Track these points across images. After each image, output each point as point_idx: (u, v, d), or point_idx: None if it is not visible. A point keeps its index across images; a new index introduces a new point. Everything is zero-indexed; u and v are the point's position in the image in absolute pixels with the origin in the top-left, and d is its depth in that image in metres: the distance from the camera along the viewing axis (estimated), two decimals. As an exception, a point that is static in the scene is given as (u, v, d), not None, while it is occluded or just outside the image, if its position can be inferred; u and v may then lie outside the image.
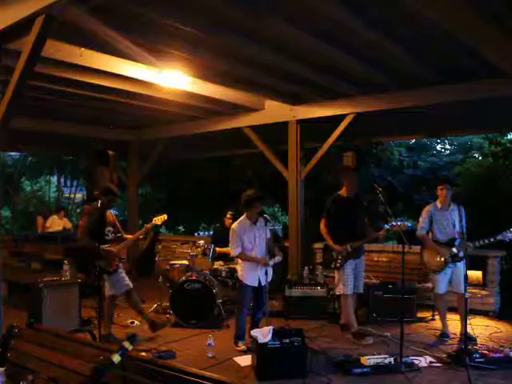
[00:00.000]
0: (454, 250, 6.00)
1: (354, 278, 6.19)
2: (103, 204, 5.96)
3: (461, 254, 5.96)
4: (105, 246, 5.87)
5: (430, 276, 6.79)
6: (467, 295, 5.28)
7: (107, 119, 10.21)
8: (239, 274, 5.94)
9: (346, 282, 6.14)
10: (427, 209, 6.33)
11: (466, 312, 5.61)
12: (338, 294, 6.37)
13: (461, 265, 5.99)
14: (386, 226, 5.82)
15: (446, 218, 6.15)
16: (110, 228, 6.05)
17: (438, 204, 6.24)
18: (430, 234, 6.31)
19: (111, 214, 6.19)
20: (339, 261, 6.16)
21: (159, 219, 6.35)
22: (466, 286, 5.19)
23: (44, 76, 6.48)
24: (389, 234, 5.92)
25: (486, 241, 5.83)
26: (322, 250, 6.67)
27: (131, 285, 6.15)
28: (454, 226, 6.10)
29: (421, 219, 6.35)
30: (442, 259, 6.08)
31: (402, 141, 15.61)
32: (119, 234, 6.15)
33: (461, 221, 5.99)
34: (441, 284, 6.19)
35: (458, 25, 4.33)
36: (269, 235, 5.85)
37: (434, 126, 9.91)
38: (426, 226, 6.29)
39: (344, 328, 6.40)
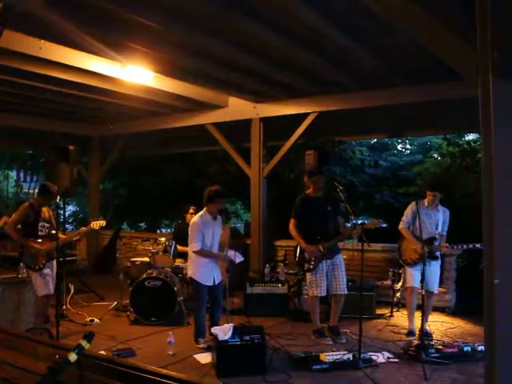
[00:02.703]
0: (433, 244, 6.05)
1: (332, 278, 6.06)
2: (38, 201, 6.10)
3: (437, 254, 6.08)
4: (37, 242, 5.93)
5: (395, 274, 6.87)
6: (423, 291, 5.42)
7: (68, 113, 10.02)
8: (192, 272, 5.85)
9: (319, 284, 6.02)
10: (413, 205, 6.26)
11: (429, 309, 5.73)
12: (310, 295, 6.17)
13: (436, 264, 6.13)
14: (348, 225, 5.88)
15: (430, 217, 6.14)
16: (45, 224, 6.07)
17: (425, 203, 6.20)
18: (411, 228, 6.30)
19: (47, 210, 6.19)
20: (312, 262, 6.04)
21: (97, 224, 6.35)
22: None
23: (2, 68, 6.32)
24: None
25: (465, 246, 5.93)
26: (292, 250, 6.55)
27: (52, 291, 6.00)
28: (436, 226, 6.14)
29: (405, 214, 6.34)
30: (419, 254, 6.04)
31: (364, 140, 15.82)
32: (53, 232, 6.06)
33: (444, 223, 6.14)
34: (415, 278, 6.14)
35: (417, 29, 4.41)
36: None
37: (395, 125, 10.10)
38: (409, 221, 6.28)
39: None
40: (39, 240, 5.97)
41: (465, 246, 5.95)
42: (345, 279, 6.13)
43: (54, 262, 6.08)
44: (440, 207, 6.22)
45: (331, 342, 5.97)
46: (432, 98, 7.15)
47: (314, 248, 6.00)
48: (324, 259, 6.04)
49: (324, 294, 6.09)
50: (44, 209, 6.12)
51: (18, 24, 4.91)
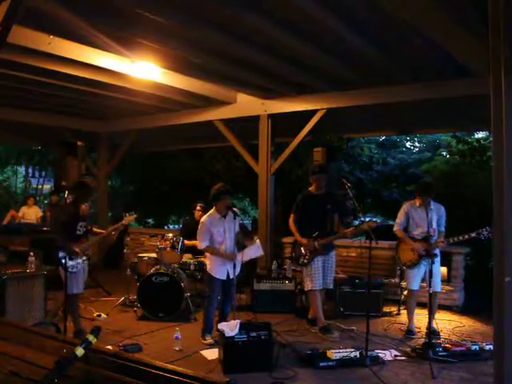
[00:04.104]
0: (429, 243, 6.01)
1: (323, 273, 6.22)
2: (77, 198, 5.88)
3: (435, 252, 6.06)
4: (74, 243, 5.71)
5: (403, 272, 6.81)
6: (431, 290, 5.39)
7: (77, 109, 10.05)
8: (208, 267, 5.92)
9: (314, 278, 6.16)
10: (405, 206, 6.34)
11: (434, 308, 5.73)
12: (306, 289, 6.39)
13: (436, 262, 6.09)
14: (356, 223, 5.86)
15: (423, 215, 6.08)
16: (82, 223, 5.89)
17: (417, 203, 6.23)
18: (408, 229, 6.32)
19: (85, 206, 6.07)
20: (307, 257, 6.20)
21: (128, 219, 6.35)
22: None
23: (11, 63, 6.33)
24: (358, 232, 5.94)
25: (461, 238, 5.89)
26: (291, 245, 6.67)
27: (82, 291, 5.95)
28: (430, 223, 6.08)
29: (398, 216, 6.37)
30: (417, 254, 6.10)
31: (372, 137, 15.77)
32: (88, 228, 6.00)
33: (440, 219, 6.12)
34: (414, 280, 6.20)
35: (428, 25, 4.39)
36: (237, 229, 5.87)
37: (403, 123, 10.06)
38: (403, 223, 6.31)
39: (311, 323, 6.44)
40: (76, 240, 5.78)
41: (460, 238, 5.90)
42: (333, 275, 6.42)
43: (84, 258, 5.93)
44: (433, 205, 6.18)
45: (338, 339, 5.99)
46: (441, 95, 7.10)
47: (309, 242, 6.17)
48: (318, 254, 6.17)
49: (319, 287, 6.21)
50: (83, 207, 5.99)
51: (27, 19, 4.92)
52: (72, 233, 5.76)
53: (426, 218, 5.84)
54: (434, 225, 6.14)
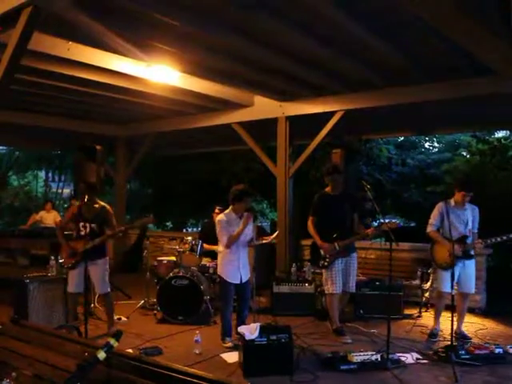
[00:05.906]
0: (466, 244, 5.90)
1: (344, 276, 6.14)
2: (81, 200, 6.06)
3: (471, 253, 5.95)
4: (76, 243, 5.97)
5: (436, 273, 6.63)
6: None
7: (95, 113, 10.13)
8: (219, 269, 5.84)
9: (335, 281, 6.07)
10: (439, 206, 6.11)
11: (464, 311, 5.68)
12: (326, 292, 6.27)
13: (471, 264, 6.00)
14: (375, 224, 5.81)
15: (458, 216, 5.96)
16: (84, 223, 5.90)
17: (452, 202, 6.03)
18: (441, 230, 6.12)
19: (93, 208, 5.98)
20: (327, 259, 6.10)
21: (140, 222, 6.36)
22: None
23: (30, 69, 6.41)
24: (378, 232, 5.89)
25: (499, 239, 5.75)
26: (309, 247, 6.62)
27: (76, 291, 6.01)
28: (466, 224, 5.97)
29: (432, 216, 6.17)
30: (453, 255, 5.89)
31: (391, 138, 15.65)
32: (94, 229, 5.96)
33: (473, 221, 6.00)
34: (447, 282, 5.77)
35: (447, 24, 4.35)
36: (252, 234, 5.86)
37: (422, 123, 9.96)
38: (437, 224, 6.11)
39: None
40: (75, 241, 6.01)
41: (498, 239, 5.75)
42: (355, 278, 6.28)
43: (99, 261, 6.02)
44: (467, 205, 6.04)
45: (350, 341, 5.95)
46: (460, 94, 7.02)
47: (329, 245, 6.07)
48: (339, 257, 6.09)
49: (339, 291, 6.12)
50: (94, 207, 6.00)
51: (46, 26, 4.97)
52: (77, 233, 6.01)
53: (461, 218, 5.74)
54: (470, 225, 6.02)
